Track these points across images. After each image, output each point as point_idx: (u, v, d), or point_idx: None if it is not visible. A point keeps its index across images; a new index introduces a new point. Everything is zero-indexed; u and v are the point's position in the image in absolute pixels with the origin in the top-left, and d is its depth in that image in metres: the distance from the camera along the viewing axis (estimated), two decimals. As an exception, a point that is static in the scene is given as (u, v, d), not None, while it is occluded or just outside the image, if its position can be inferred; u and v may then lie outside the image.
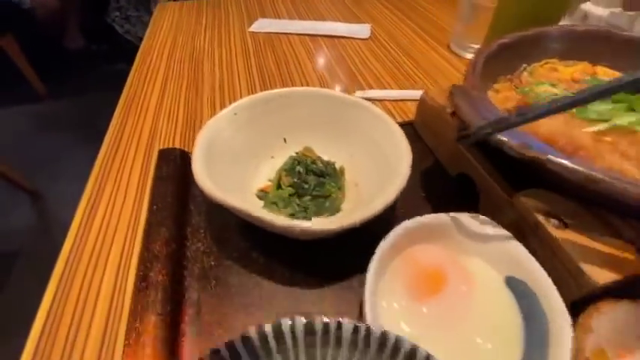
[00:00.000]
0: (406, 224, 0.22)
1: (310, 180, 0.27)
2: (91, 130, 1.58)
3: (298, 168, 0.28)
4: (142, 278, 0.23)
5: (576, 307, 0.20)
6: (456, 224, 0.23)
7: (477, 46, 0.53)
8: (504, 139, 0.23)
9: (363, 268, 0.25)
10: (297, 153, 0.30)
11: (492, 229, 0.23)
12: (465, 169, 0.30)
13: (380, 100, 0.45)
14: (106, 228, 0.29)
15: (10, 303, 1.02)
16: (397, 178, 0.22)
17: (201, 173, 0.22)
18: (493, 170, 0.28)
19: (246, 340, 0.14)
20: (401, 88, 0.47)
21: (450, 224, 0.23)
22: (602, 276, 0.20)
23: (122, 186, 0.33)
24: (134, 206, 0.31)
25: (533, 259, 0.21)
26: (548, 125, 0.25)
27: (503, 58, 0.33)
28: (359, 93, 0.45)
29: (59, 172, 1.40)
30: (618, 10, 0.51)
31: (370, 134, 0.29)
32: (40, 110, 1.74)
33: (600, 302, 0.20)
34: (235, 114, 0.29)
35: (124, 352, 0.19)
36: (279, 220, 0.20)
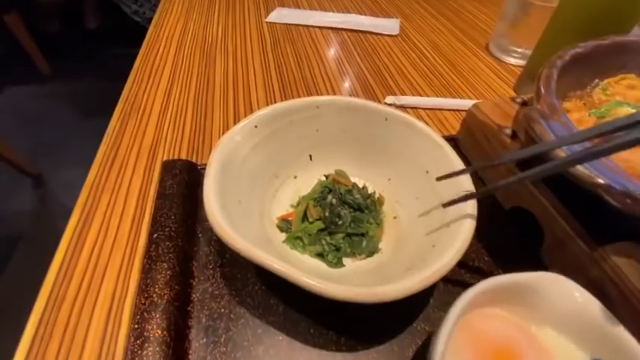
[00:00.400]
0: (478, 288, 0.17)
1: (344, 214, 0.22)
2: (96, 115, 1.54)
3: (330, 198, 0.23)
4: (138, 334, 0.18)
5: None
6: (530, 286, 0.19)
7: (521, 50, 0.48)
8: (601, 181, 0.18)
9: (403, 327, 0.21)
10: (326, 177, 0.25)
11: (578, 295, 0.18)
12: (524, 204, 0.26)
13: (413, 108, 0.39)
14: (101, 246, 0.25)
15: (10, 287, 1.00)
16: (462, 233, 0.17)
17: (219, 216, 0.18)
18: (566, 211, 0.23)
19: None
20: (436, 95, 0.42)
21: (524, 285, 0.19)
22: None
23: (121, 196, 0.29)
24: (133, 222, 0.27)
25: (633, 340, 0.16)
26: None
27: (574, 72, 0.27)
28: (390, 99, 0.40)
29: (63, 156, 1.37)
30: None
31: (416, 158, 0.24)
32: (44, 91, 1.70)
33: None
34: (255, 126, 0.24)
35: None
36: (336, 289, 0.15)
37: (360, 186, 0.25)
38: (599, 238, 0.21)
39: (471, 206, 0.19)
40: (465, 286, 0.23)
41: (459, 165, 0.22)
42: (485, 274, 0.24)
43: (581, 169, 0.19)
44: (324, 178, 0.26)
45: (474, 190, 0.20)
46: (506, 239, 0.26)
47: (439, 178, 0.21)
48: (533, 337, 0.18)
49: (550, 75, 0.25)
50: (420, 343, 0.20)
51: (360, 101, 0.26)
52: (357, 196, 0.23)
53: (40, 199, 1.27)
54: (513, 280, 0.18)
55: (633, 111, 0.26)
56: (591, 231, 0.21)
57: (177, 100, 0.40)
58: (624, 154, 0.21)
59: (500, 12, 0.48)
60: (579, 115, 0.27)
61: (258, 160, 0.24)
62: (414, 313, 0.21)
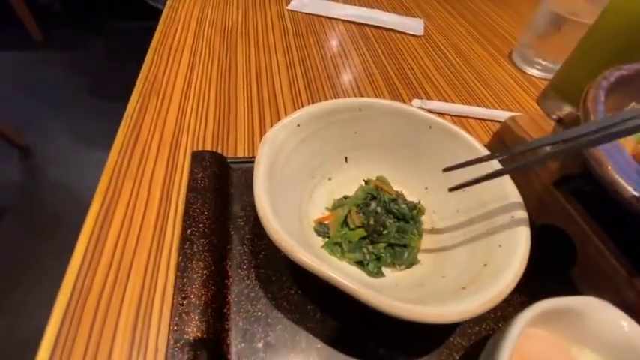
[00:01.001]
0: (529, 314, 0.17)
1: (390, 224, 0.22)
2: (88, 86, 1.49)
3: (375, 206, 0.22)
4: (177, 337, 0.18)
5: None
6: (577, 310, 0.19)
7: (545, 63, 0.48)
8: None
9: (440, 341, 0.21)
10: (365, 182, 0.25)
11: (625, 324, 0.18)
12: (558, 223, 0.26)
13: (439, 114, 0.39)
14: (125, 238, 0.24)
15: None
16: (517, 253, 0.17)
17: (272, 220, 0.17)
18: (604, 233, 0.23)
19: None
20: (461, 101, 0.42)
21: (570, 309, 0.19)
22: None
23: (144, 185, 0.28)
24: (159, 213, 0.26)
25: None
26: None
27: (616, 94, 0.27)
28: (417, 102, 0.39)
29: (52, 128, 1.32)
30: None
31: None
32: (34, 59, 1.62)
33: None
34: (298, 125, 0.23)
35: None
36: (406, 310, 0.15)
37: (398, 192, 0.25)
38: (635, 260, 0.21)
39: (525, 229, 0.19)
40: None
41: (507, 180, 0.21)
42: (516, 292, 0.24)
43: (632, 192, 0.19)
44: (362, 183, 0.25)
45: (521, 200, 0.20)
46: (537, 257, 0.26)
47: (449, 169, 0.21)
48: (573, 358, 0.18)
49: (597, 96, 0.24)
50: (458, 357, 0.20)
51: (406, 107, 0.25)
52: (403, 206, 0.23)
53: (26, 171, 1.23)
54: (562, 303, 0.18)
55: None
56: (627, 252, 0.22)
57: (198, 85, 0.38)
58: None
59: (529, 22, 0.48)
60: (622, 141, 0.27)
61: (298, 160, 0.24)
62: (450, 329, 0.21)
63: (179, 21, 0.49)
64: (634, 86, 0.28)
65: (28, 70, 1.56)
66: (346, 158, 0.27)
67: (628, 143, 0.26)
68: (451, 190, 0.22)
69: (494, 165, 0.22)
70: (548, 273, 0.26)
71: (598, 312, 0.18)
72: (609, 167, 0.20)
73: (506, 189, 0.21)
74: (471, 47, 0.53)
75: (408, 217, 0.23)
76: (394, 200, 0.23)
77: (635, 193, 0.19)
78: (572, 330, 0.19)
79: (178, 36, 0.46)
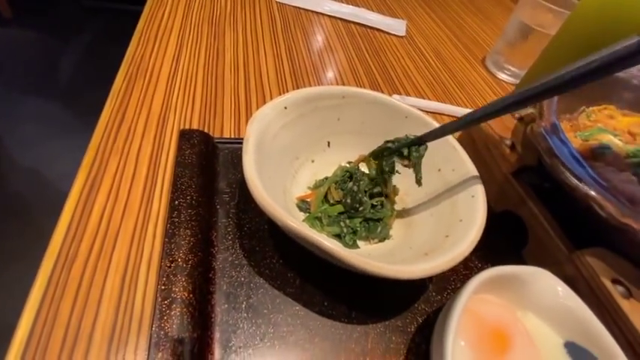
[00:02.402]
0: (480, 279, 0.19)
1: (365, 201, 0.24)
2: (59, 68, 1.42)
3: (352, 185, 0.24)
4: (165, 295, 0.19)
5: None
6: (520, 278, 0.22)
7: (514, 70, 0.52)
8: (596, 196, 0.21)
9: (406, 306, 0.23)
10: (349, 163, 0.27)
11: (560, 289, 0.21)
12: (514, 209, 0.29)
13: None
14: (112, 208, 0.25)
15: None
16: (474, 225, 0.20)
17: (259, 187, 0.19)
18: (550, 216, 0.26)
19: None
20: (437, 100, 0.45)
21: (513, 276, 0.21)
22: (667, 356, 0.19)
23: (130, 160, 0.28)
24: (145, 186, 0.27)
25: (603, 327, 0.20)
26: (626, 185, 0.24)
27: (567, 97, 0.31)
28: (396, 97, 0.42)
29: (20, 111, 1.26)
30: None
31: (430, 156, 0.26)
32: (3, 37, 1.53)
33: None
34: (285, 108, 0.25)
35: (143, 390, 0.16)
36: (372, 265, 0.16)
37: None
38: (576, 242, 0.24)
39: (482, 205, 0.21)
40: (458, 275, 0.26)
41: (471, 165, 0.24)
42: (476, 267, 0.27)
43: (576, 182, 0.22)
44: (344, 164, 0.27)
45: (481, 183, 0.23)
46: (495, 239, 0.29)
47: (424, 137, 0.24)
48: (519, 320, 0.21)
49: (552, 97, 0.28)
50: (421, 321, 0.23)
51: (385, 97, 0.28)
52: (378, 185, 0.25)
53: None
54: (509, 271, 0.21)
55: (614, 139, 0.30)
56: (570, 235, 0.25)
57: (186, 68, 0.39)
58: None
59: (502, 31, 0.52)
60: (567, 136, 0.30)
61: (285, 140, 0.25)
62: (415, 296, 0.24)
63: (166, 4, 0.49)
64: (585, 91, 0.32)
65: (-5, 47, 1.47)
66: (329, 143, 0.29)
67: (573, 141, 0.29)
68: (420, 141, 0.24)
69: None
70: (504, 253, 0.29)
71: (538, 280, 0.21)
72: (556, 159, 0.23)
73: (469, 173, 0.23)
74: (449, 51, 0.56)
75: (382, 193, 0.25)
76: (372, 179, 0.25)
77: (576, 180, 0.22)
78: (518, 296, 0.21)
79: (165, 19, 0.46)
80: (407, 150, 0.24)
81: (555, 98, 0.28)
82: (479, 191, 0.22)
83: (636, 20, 0.35)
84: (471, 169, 0.24)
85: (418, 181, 0.24)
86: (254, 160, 0.20)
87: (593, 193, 0.21)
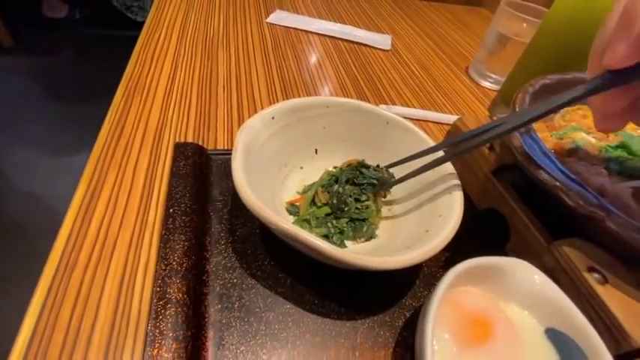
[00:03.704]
0: (459, 268, 0.20)
1: (350, 202, 0.25)
2: (59, 92, 1.46)
3: (337, 187, 0.26)
4: (160, 296, 0.20)
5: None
6: (498, 268, 0.23)
7: (495, 77, 0.54)
8: (563, 187, 0.22)
9: (393, 302, 0.24)
10: (335, 168, 0.28)
11: (536, 277, 0.22)
12: (495, 205, 0.30)
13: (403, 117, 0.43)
14: (110, 217, 0.26)
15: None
16: (451, 219, 0.21)
17: (247, 188, 0.20)
18: (529, 211, 0.27)
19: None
20: (422, 107, 0.47)
21: (493, 267, 0.22)
22: (642, 337, 0.20)
23: (128, 172, 0.30)
24: (142, 197, 0.28)
25: (579, 312, 0.21)
26: (596, 178, 0.25)
27: (541, 98, 0.32)
28: (383, 107, 0.44)
29: (18, 135, 1.28)
30: None
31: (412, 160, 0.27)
32: (4, 64, 1.57)
33: (636, 361, 0.20)
34: (273, 118, 0.26)
35: (140, 385, 0.17)
36: (352, 256, 0.18)
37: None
38: (554, 234, 0.25)
39: (459, 201, 0.23)
40: (444, 270, 0.27)
41: (449, 165, 0.25)
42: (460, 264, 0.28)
43: (546, 176, 0.23)
44: (331, 169, 0.28)
45: (458, 180, 0.24)
46: (480, 236, 0.30)
47: (412, 157, 0.25)
48: (501, 309, 0.22)
49: (524, 99, 0.29)
50: (408, 315, 0.23)
51: (367, 105, 0.29)
52: (363, 187, 0.26)
53: (-9, 178, 1.18)
54: (487, 262, 0.22)
55: (587, 137, 0.31)
56: (549, 228, 0.26)
57: (181, 87, 0.41)
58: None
59: (482, 41, 0.54)
60: (543, 135, 0.32)
61: (273, 148, 0.27)
62: (403, 292, 0.25)
63: (162, 27, 0.51)
64: (557, 92, 0.34)
65: (-4, 76, 1.51)
66: (316, 150, 0.30)
67: (548, 139, 0.31)
68: (398, 181, 0.26)
69: (439, 154, 0.26)
70: (489, 248, 0.30)
71: (516, 270, 0.22)
72: (529, 157, 0.24)
73: (447, 172, 0.25)
74: (433, 62, 0.59)
75: (366, 193, 0.26)
76: (356, 179, 0.27)
77: (545, 174, 0.23)
78: (499, 287, 0.22)
79: (162, 41, 0.48)
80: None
81: (527, 101, 0.30)
82: (456, 188, 0.24)
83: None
84: (450, 169, 0.25)
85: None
86: (242, 166, 0.21)
87: (559, 184, 0.22)
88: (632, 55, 0.14)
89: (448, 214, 0.22)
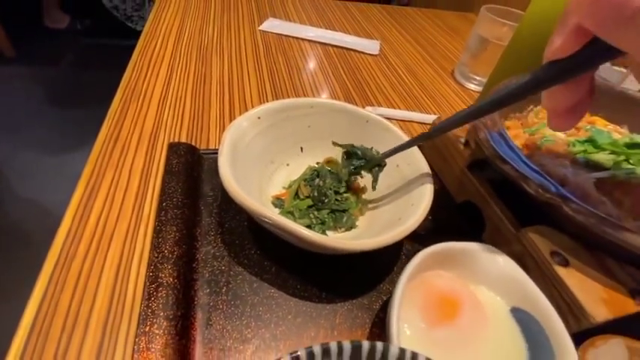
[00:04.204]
0: (427, 251, 0.22)
1: (330, 194, 0.27)
2: (58, 100, 1.48)
3: (318, 181, 0.28)
4: (153, 280, 0.22)
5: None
6: (467, 253, 0.24)
7: (479, 79, 0.56)
8: (524, 176, 0.24)
9: (372, 286, 0.26)
10: (318, 164, 0.30)
11: (502, 260, 0.24)
12: (471, 198, 0.32)
13: (388, 118, 0.45)
14: (108, 213, 0.28)
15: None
16: (421, 206, 0.23)
17: (231, 179, 0.22)
18: (500, 202, 0.29)
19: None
20: (408, 109, 0.49)
21: (462, 252, 0.24)
22: (600, 314, 0.21)
23: (124, 172, 0.32)
24: (137, 194, 0.30)
25: (540, 292, 0.22)
26: (559, 169, 0.27)
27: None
28: (369, 109, 0.46)
29: (20, 144, 1.30)
30: (607, 64, 0.56)
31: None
32: (6, 74, 1.60)
33: (594, 338, 0.22)
34: (259, 118, 0.28)
35: (133, 358, 0.18)
36: (324, 239, 0.19)
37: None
38: (524, 223, 0.27)
39: (429, 191, 0.25)
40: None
41: (422, 159, 0.27)
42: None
43: (510, 169, 0.25)
44: (314, 164, 0.30)
45: (430, 171, 0.26)
46: (457, 226, 0.32)
47: (388, 153, 0.27)
48: (471, 291, 0.24)
49: (495, 98, 0.31)
50: (385, 299, 0.25)
51: (348, 105, 0.31)
52: (341, 182, 0.28)
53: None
54: (454, 246, 0.24)
55: (556, 132, 0.33)
56: (519, 217, 0.28)
57: (176, 92, 0.43)
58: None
59: (465, 45, 0.57)
60: (516, 132, 0.34)
61: (259, 146, 0.29)
62: (381, 277, 0.26)
63: (159, 36, 0.54)
64: (530, 93, 0.36)
65: (-2, 85, 1.54)
66: (302, 148, 0.32)
67: (521, 135, 0.33)
68: (383, 157, 0.28)
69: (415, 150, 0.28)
70: (466, 239, 0.31)
71: (483, 254, 0.24)
72: (494, 149, 0.26)
73: (421, 166, 0.27)
74: (420, 66, 0.61)
75: (346, 187, 0.28)
76: (335, 174, 0.28)
77: (510, 167, 0.25)
78: (469, 271, 0.24)
79: (158, 49, 0.51)
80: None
81: (498, 99, 0.32)
82: (428, 181, 0.25)
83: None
84: (423, 163, 0.27)
85: (373, 187, 0.28)
86: (228, 161, 0.23)
87: (520, 174, 0.24)
88: (565, 47, 0.16)
89: (419, 202, 0.24)
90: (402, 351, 0.14)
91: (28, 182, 1.18)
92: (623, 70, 0.50)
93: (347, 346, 0.14)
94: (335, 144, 0.29)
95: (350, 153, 0.29)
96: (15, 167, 1.22)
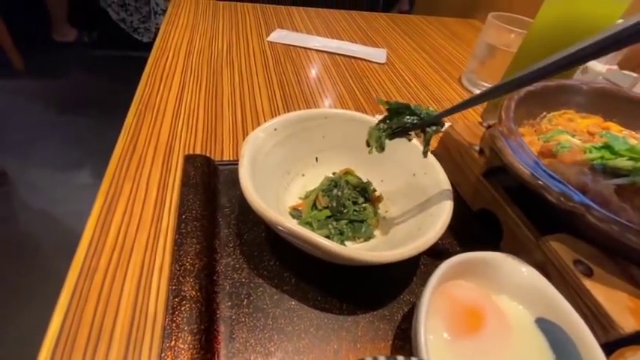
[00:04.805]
0: (450, 262, 0.22)
1: (348, 204, 0.27)
2: (69, 114, 1.51)
3: (336, 192, 0.28)
4: (176, 293, 0.22)
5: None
6: (487, 262, 0.24)
7: (487, 85, 0.56)
8: (548, 185, 0.24)
9: (392, 297, 0.26)
10: (334, 174, 0.30)
11: (524, 269, 0.24)
12: (488, 206, 0.32)
13: (399, 127, 0.46)
14: (127, 226, 0.28)
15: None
16: (441, 217, 0.23)
17: (252, 192, 0.22)
18: (519, 210, 0.29)
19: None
20: (417, 117, 0.49)
21: (483, 262, 0.24)
22: (628, 324, 0.21)
23: (142, 184, 0.32)
24: (156, 207, 0.30)
25: (566, 302, 0.22)
26: (578, 176, 0.27)
27: (528, 105, 0.34)
28: (379, 117, 0.46)
29: (31, 156, 1.32)
30: (615, 67, 0.56)
31: (405, 163, 0.29)
32: (16, 87, 1.63)
33: (623, 349, 0.21)
34: (275, 129, 0.29)
35: (159, 373, 0.18)
36: (347, 251, 0.19)
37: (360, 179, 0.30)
38: (543, 231, 0.27)
39: (449, 201, 0.24)
40: (442, 268, 0.29)
41: (440, 168, 0.27)
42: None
43: (530, 178, 0.25)
44: (330, 175, 0.30)
45: (449, 185, 0.26)
46: (474, 235, 0.32)
47: (444, 113, 0.24)
48: (493, 302, 0.23)
49: (509, 106, 0.31)
50: (406, 310, 0.25)
51: (361, 115, 0.31)
52: (358, 191, 0.28)
53: (2, 198, 1.21)
54: (476, 256, 0.24)
55: (572, 139, 0.33)
56: (538, 225, 0.28)
57: (189, 104, 0.44)
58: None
59: (472, 51, 0.57)
60: (530, 139, 0.34)
61: (276, 157, 0.29)
62: (401, 288, 0.26)
63: (170, 50, 0.55)
64: (543, 99, 0.36)
65: (7, 97, 1.57)
66: (317, 158, 0.32)
67: (535, 142, 0.33)
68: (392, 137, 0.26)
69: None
70: (483, 247, 0.31)
71: (505, 263, 0.24)
72: (513, 158, 0.26)
73: (439, 177, 0.27)
74: (427, 73, 0.61)
75: (364, 197, 0.28)
76: (354, 186, 0.29)
77: (529, 174, 0.25)
78: (490, 281, 0.24)
79: (169, 62, 0.51)
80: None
81: (512, 107, 0.32)
82: (446, 189, 0.25)
83: (586, 31, 0.40)
84: (440, 172, 0.27)
85: (425, 153, 0.26)
86: (248, 173, 0.23)
87: (542, 183, 0.24)
88: None
89: (439, 213, 0.24)
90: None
91: (39, 194, 1.20)
92: (634, 74, 0.50)
93: (381, 361, 0.13)
94: (380, 101, 0.26)
95: (396, 111, 0.25)
96: (27, 180, 1.23)
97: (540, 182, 0.24)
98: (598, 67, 0.57)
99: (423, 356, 0.18)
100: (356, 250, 0.20)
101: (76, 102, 1.57)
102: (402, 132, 0.26)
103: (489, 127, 0.37)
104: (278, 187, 0.29)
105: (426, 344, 0.18)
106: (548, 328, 0.22)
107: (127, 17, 1.98)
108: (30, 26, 1.82)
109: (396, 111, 0.26)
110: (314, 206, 0.28)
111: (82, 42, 1.95)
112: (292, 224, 0.20)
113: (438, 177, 0.27)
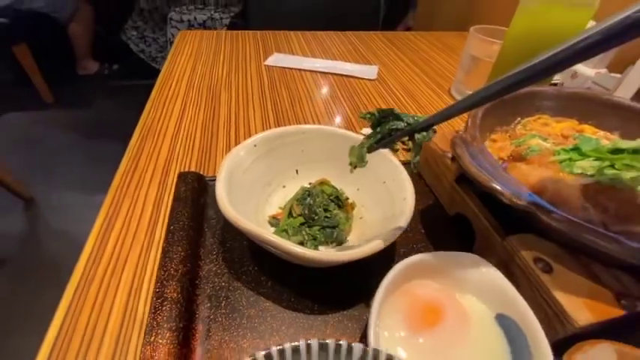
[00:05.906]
0: (407, 261, 0.23)
1: (319, 211, 0.29)
2: (91, 139, 1.62)
3: (309, 200, 0.30)
4: (159, 295, 0.24)
5: (559, 346, 0.21)
6: (452, 262, 0.25)
7: (475, 95, 0.58)
8: (498, 187, 0.25)
9: (363, 298, 0.27)
10: (310, 184, 0.32)
11: (486, 269, 0.25)
12: (462, 210, 0.33)
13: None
14: (123, 239, 0.31)
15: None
16: (401, 219, 0.24)
17: (225, 202, 0.24)
18: (488, 213, 0.30)
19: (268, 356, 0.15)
20: (404, 128, 0.51)
21: (447, 262, 0.25)
22: (582, 317, 0.22)
23: (139, 201, 0.35)
24: (150, 221, 0.33)
25: (522, 299, 0.23)
26: (538, 176, 0.28)
27: (500, 112, 0.36)
28: (365, 130, 0.48)
29: (55, 180, 1.41)
30: (604, 71, 0.56)
31: (377, 172, 0.31)
32: (44, 117, 1.77)
33: (581, 343, 0.22)
34: (255, 145, 0.31)
35: (139, 365, 0.21)
36: (301, 250, 0.22)
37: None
38: (511, 233, 0.28)
39: (411, 203, 0.26)
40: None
41: (406, 176, 0.29)
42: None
43: (484, 181, 0.26)
44: (305, 185, 0.33)
45: (412, 190, 0.28)
46: (450, 238, 0.33)
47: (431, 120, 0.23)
48: (456, 299, 0.24)
49: (476, 114, 0.33)
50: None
51: (337, 129, 0.34)
52: (331, 199, 0.30)
53: (29, 221, 1.30)
54: (435, 256, 0.25)
55: (543, 142, 0.34)
56: (508, 228, 0.29)
57: (187, 126, 0.47)
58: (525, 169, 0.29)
59: (459, 63, 0.59)
60: (502, 144, 0.35)
61: (256, 171, 0.31)
62: (371, 289, 0.27)
63: (174, 77, 0.60)
64: (515, 105, 0.37)
65: (37, 127, 1.70)
66: (297, 170, 0.35)
67: (507, 147, 0.34)
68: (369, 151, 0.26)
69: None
70: (460, 250, 0.32)
71: (468, 262, 0.25)
72: (469, 163, 0.28)
73: (405, 185, 0.28)
74: (418, 86, 0.64)
75: (336, 205, 0.30)
76: (328, 195, 0.31)
77: (485, 177, 0.26)
78: (456, 280, 0.25)
79: (173, 88, 0.56)
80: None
81: (479, 114, 0.33)
82: (409, 193, 0.27)
83: (556, 38, 0.41)
84: (406, 179, 0.29)
85: (415, 156, 0.25)
86: (225, 187, 0.26)
87: (495, 185, 0.25)
88: None
89: (400, 215, 0.25)
90: (365, 350, 0.15)
91: (60, 216, 1.28)
92: (619, 75, 0.50)
93: (314, 344, 0.15)
94: (362, 115, 0.26)
95: (379, 120, 0.25)
96: (50, 203, 1.32)
97: (494, 185, 0.25)
98: (587, 71, 0.57)
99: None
100: (318, 252, 0.22)
101: (97, 128, 1.69)
102: (389, 142, 0.25)
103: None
104: (259, 198, 0.31)
105: (376, 337, 0.20)
106: (505, 323, 0.23)
107: (145, 48, 2.14)
108: (57, 62, 1.98)
109: (378, 120, 0.26)
110: (290, 215, 0.30)
111: (102, 74, 2.11)
112: (260, 230, 0.23)
113: (403, 184, 0.29)
